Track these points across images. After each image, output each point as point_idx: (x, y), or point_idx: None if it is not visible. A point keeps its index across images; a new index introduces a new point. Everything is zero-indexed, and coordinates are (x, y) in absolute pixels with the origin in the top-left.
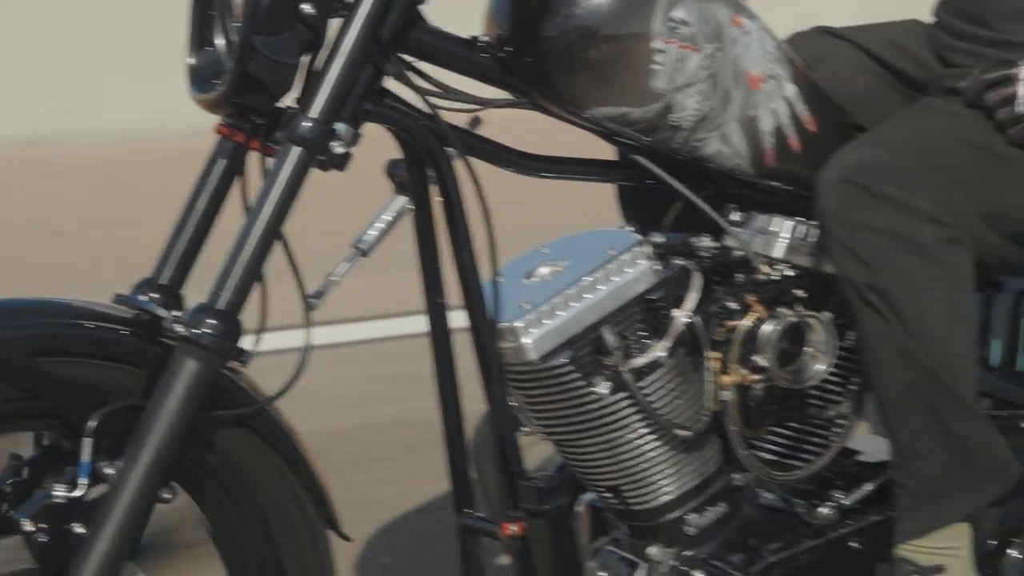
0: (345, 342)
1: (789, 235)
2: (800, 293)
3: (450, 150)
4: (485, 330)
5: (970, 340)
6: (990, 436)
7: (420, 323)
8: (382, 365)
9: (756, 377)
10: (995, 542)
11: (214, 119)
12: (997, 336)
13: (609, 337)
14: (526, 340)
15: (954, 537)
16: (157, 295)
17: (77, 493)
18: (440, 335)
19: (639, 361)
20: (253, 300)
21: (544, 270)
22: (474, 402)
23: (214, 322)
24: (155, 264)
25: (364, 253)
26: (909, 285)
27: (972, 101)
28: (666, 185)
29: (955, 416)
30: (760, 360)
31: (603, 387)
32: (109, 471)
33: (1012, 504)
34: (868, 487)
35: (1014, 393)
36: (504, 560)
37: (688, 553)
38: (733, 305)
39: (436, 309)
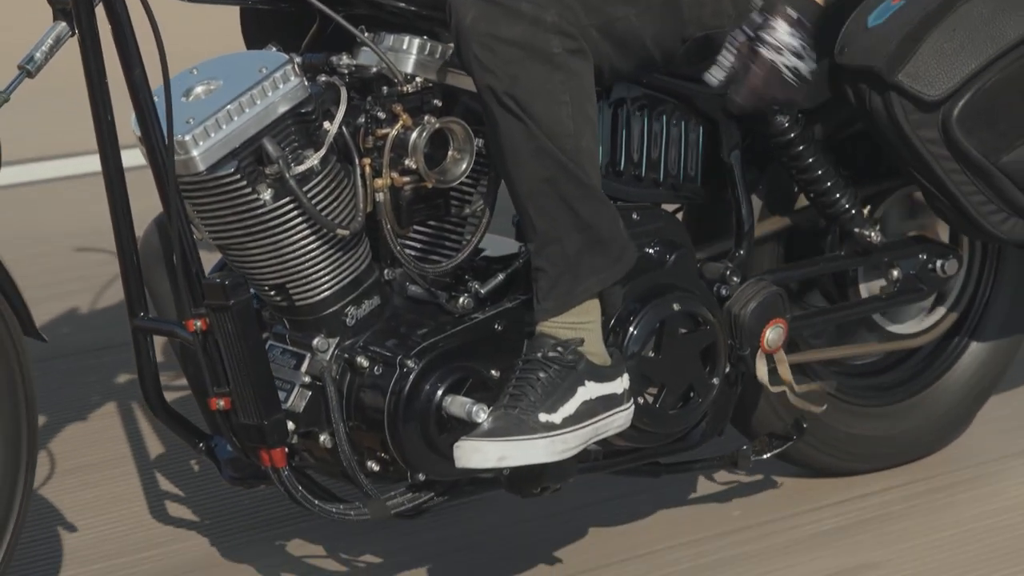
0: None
1: (416, 52)
2: (438, 103)
3: None
4: (158, 145)
5: (595, 137)
6: (616, 222)
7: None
8: None
9: (406, 179)
10: (624, 316)
11: None
12: (601, 140)
13: (270, 148)
14: (194, 153)
15: (587, 312)
16: None
17: None
18: (109, 152)
19: (298, 169)
20: None
21: (200, 89)
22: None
23: None
24: None
25: (31, 74)
26: (542, 90)
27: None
28: (309, 8)
29: (586, 205)
30: (409, 163)
31: (266, 194)
32: None
33: (633, 283)
34: (499, 277)
35: (617, 189)
36: (180, 357)
37: (348, 342)
38: (380, 115)
39: (105, 125)
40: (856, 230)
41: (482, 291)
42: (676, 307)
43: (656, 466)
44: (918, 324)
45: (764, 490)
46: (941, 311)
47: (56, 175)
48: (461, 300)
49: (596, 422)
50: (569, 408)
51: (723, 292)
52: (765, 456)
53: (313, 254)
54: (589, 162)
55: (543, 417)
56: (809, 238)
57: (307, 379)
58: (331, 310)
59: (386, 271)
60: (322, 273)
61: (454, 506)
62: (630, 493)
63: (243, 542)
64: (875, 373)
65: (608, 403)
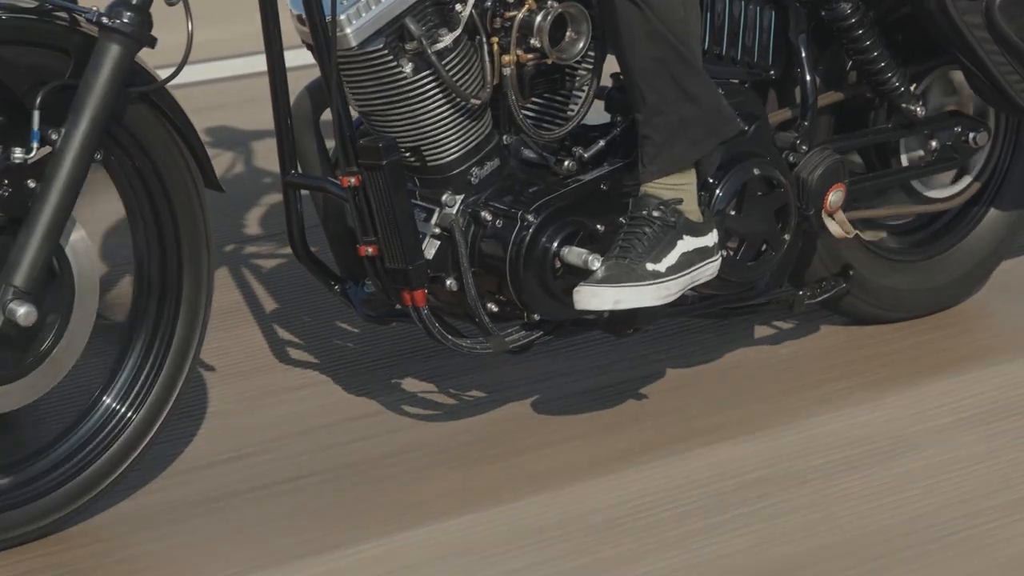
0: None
1: None
2: None
3: None
4: (320, 22)
5: (699, 21)
6: (717, 98)
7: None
8: None
9: (529, 56)
10: (711, 179)
11: None
12: None
13: (412, 27)
14: (347, 30)
15: (686, 175)
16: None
17: (32, 155)
18: (272, 29)
19: (436, 46)
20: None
21: None
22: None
23: (131, 14)
24: None
25: None
26: None
27: None
28: None
29: (691, 81)
30: (534, 42)
31: (408, 67)
32: (54, 136)
33: (722, 149)
34: (600, 143)
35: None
36: (322, 213)
37: (472, 198)
38: None
39: (269, 5)
40: (904, 105)
41: (585, 155)
42: (756, 172)
43: (725, 310)
44: (949, 191)
45: (810, 333)
46: (968, 179)
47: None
48: (566, 163)
49: (693, 271)
50: (671, 259)
51: (791, 159)
52: (818, 300)
53: (445, 120)
54: (695, 43)
55: (650, 266)
56: (856, 112)
57: (436, 230)
58: (458, 170)
59: (504, 137)
60: (452, 137)
61: (556, 344)
62: (697, 331)
63: (359, 381)
64: (908, 233)
65: (702, 255)
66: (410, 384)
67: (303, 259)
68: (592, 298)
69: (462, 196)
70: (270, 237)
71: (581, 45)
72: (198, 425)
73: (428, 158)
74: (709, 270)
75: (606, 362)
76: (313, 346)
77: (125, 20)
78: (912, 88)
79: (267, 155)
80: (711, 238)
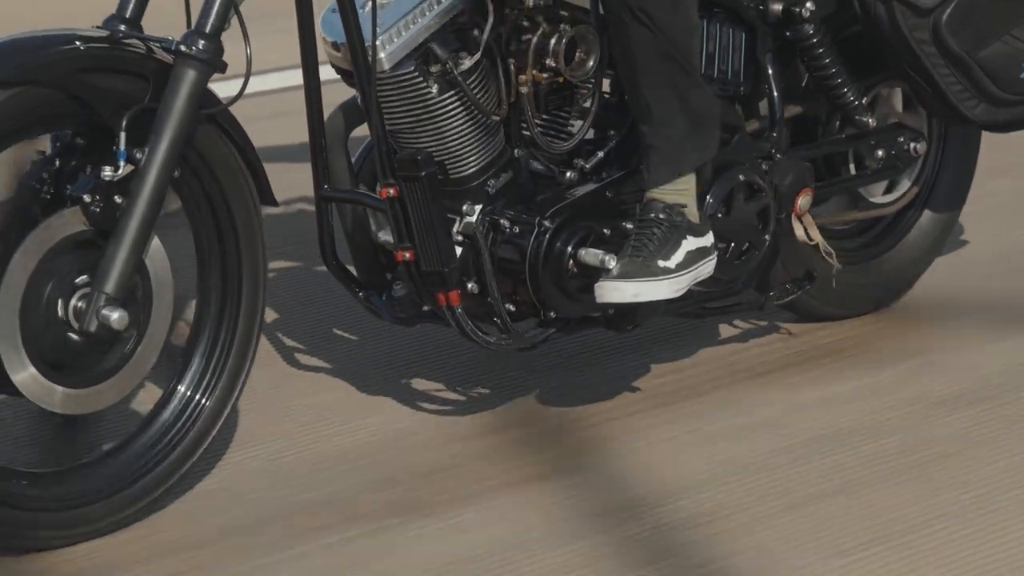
0: None
1: None
2: (564, 13)
3: None
4: (360, 47)
5: (698, 39)
6: (715, 106)
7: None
8: None
9: (543, 75)
10: (708, 183)
11: None
12: None
13: (438, 50)
14: (382, 54)
15: (687, 181)
16: (123, 27)
17: (119, 173)
18: (309, 53)
19: (459, 68)
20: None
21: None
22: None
23: (204, 42)
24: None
25: None
26: (664, 4)
27: None
28: None
29: (694, 95)
30: (549, 62)
31: (434, 88)
32: (138, 155)
33: (717, 157)
34: (599, 155)
35: None
36: (350, 227)
37: (490, 207)
38: (524, 24)
39: (306, 29)
40: (857, 117)
41: (587, 166)
42: (741, 178)
43: (703, 310)
44: (891, 195)
45: (770, 333)
46: (907, 184)
47: None
48: (568, 174)
49: (696, 268)
50: (679, 256)
51: (764, 167)
52: (785, 300)
53: (467, 136)
54: (696, 59)
55: (661, 263)
56: (806, 125)
57: (459, 237)
58: (477, 182)
59: (515, 150)
60: (472, 152)
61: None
62: (683, 332)
63: (373, 384)
64: (853, 236)
65: (703, 253)
66: (419, 384)
67: (332, 267)
68: (613, 292)
69: (480, 205)
70: (294, 247)
71: (591, 64)
72: None
73: (450, 171)
74: (708, 267)
75: None
76: (314, 355)
77: (200, 47)
78: (864, 101)
79: (288, 170)
80: (709, 238)
